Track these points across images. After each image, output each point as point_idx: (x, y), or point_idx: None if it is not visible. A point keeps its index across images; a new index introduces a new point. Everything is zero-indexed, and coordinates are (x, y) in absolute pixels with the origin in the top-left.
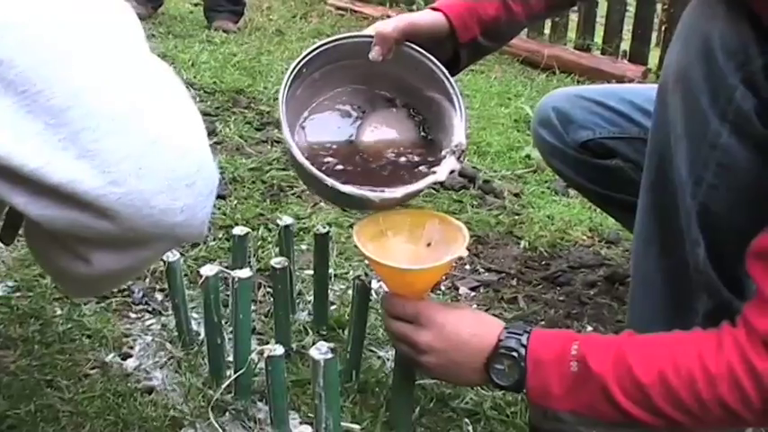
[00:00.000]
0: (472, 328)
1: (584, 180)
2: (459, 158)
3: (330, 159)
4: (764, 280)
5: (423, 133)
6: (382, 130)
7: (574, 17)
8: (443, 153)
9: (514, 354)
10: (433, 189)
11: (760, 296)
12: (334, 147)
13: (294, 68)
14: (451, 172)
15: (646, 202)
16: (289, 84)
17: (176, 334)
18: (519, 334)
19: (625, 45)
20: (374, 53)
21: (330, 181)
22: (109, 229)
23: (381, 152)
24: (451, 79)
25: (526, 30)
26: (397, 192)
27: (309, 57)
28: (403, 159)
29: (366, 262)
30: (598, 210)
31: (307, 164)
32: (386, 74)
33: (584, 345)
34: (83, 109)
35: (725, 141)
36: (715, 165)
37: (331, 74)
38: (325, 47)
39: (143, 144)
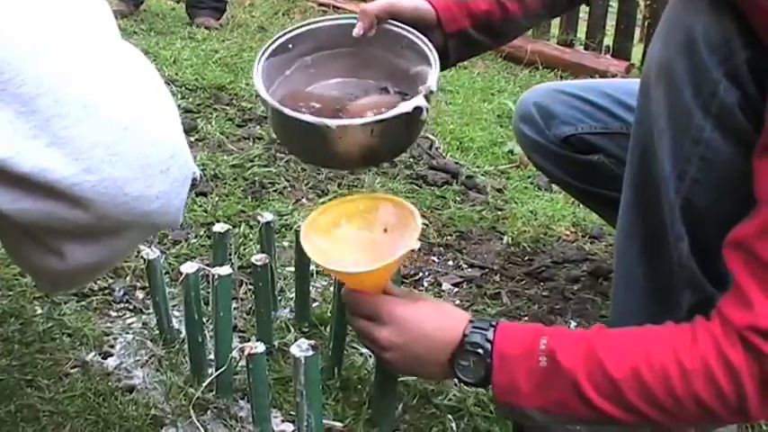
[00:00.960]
0: (435, 321)
1: (567, 176)
2: (426, 97)
3: (305, 109)
4: (740, 271)
5: None
6: (369, 101)
7: None
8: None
9: (480, 350)
10: (416, 185)
11: (736, 288)
12: (317, 105)
13: (279, 38)
14: (417, 109)
15: (628, 197)
16: (272, 50)
17: (157, 332)
18: (484, 329)
19: (608, 40)
20: (356, 29)
21: (287, 110)
22: (83, 219)
23: (360, 112)
24: (427, 41)
25: None
26: (357, 120)
27: (297, 32)
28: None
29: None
30: (581, 205)
31: (268, 97)
32: (377, 60)
33: (552, 339)
34: (53, 96)
35: (708, 136)
36: (698, 159)
37: (324, 61)
38: (313, 26)
39: (115, 130)
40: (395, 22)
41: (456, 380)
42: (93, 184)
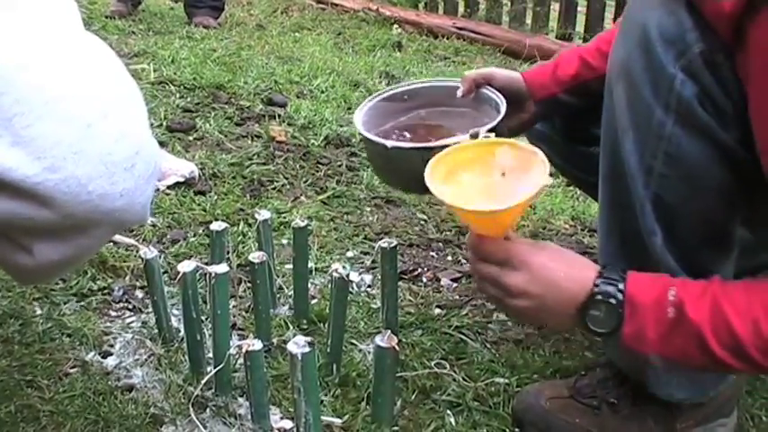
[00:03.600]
0: (566, 270)
1: (570, 166)
2: (471, 136)
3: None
4: None
5: None
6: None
7: (556, 7)
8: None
9: (612, 300)
10: None
11: None
12: (407, 135)
13: (395, 88)
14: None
15: (603, 195)
16: (387, 95)
17: (156, 331)
18: (616, 279)
19: None
20: (459, 91)
21: (364, 131)
22: (48, 218)
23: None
24: (504, 103)
25: (507, 20)
26: (407, 144)
27: (412, 87)
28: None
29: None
30: (580, 198)
31: (358, 123)
32: (474, 118)
33: (681, 291)
34: (15, 94)
35: (670, 131)
36: (663, 154)
37: (435, 116)
38: (426, 84)
39: (78, 128)
40: (489, 87)
41: (581, 329)
42: (56, 183)
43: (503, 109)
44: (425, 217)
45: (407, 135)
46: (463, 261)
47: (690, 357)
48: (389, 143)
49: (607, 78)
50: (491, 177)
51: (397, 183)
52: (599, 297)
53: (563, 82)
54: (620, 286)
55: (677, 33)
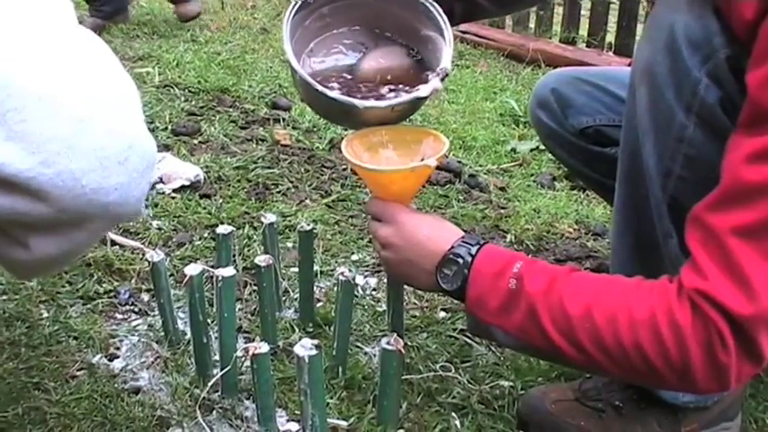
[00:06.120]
0: (430, 231)
1: (582, 165)
2: (442, 80)
3: (332, 82)
4: (695, 244)
5: (418, 70)
6: (380, 62)
7: (559, 10)
8: (430, 76)
9: (460, 260)
10: None
11: (692, 261)
12: (335, 71)
13: None
14: (435, 91)
15: (620, 196)
16: (295, 10)
17: (163, 334)
18: (471, 244)
19: (610, 37)
20: None
21: (320, 87)
22: (43, 212)
23: (375, 78)
24: (444, 15)
25: (511, 24)
26: (382, 102)
27: None
28: (392, 86)
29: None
30: (584, 202)
31: (300, 70)
32: (389, 15)
33: (526, 265)
34: (8, 90)
35: (691, 134)
36: (682, 157)
37: (340, 11)
38: None
39: (71, 123)
40: None
41: (438, 290)
42: (50, 177)
43: (448, 35)
44: None
45: (348, 77)
46: None
47: (528, 336)
48: (360, 103)
49: (630, 79)
50: (413, 162)
51: (341, 123)
52: (451, 256)
53: None
54: (473, 250)
55: (704, 37)
